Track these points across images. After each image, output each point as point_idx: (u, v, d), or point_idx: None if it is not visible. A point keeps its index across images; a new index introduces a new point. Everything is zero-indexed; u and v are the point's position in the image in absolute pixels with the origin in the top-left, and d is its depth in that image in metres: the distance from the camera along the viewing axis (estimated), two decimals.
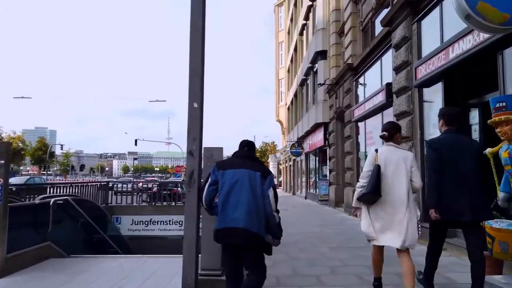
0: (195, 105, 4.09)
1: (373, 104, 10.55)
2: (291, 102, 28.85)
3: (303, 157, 24.37)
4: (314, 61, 18.68)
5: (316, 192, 19.32)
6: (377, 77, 10.69)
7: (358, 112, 12.03)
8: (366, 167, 3.80)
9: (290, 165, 32.01)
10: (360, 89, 12.54)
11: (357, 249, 6.57)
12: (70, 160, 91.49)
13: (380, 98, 9.92)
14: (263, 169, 3.39)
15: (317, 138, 18.73)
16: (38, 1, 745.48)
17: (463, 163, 3.66)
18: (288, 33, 32.32)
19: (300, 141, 23.97)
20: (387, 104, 9.54)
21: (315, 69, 19.01)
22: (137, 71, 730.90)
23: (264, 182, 3.27)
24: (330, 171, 16.18)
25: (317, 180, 19.41)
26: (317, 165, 20.21)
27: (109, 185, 14.08)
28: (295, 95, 26.31)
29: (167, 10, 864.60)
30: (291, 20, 29.93)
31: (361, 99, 12.16)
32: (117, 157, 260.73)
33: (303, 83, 22.88)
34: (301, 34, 24.02)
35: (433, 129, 7.25)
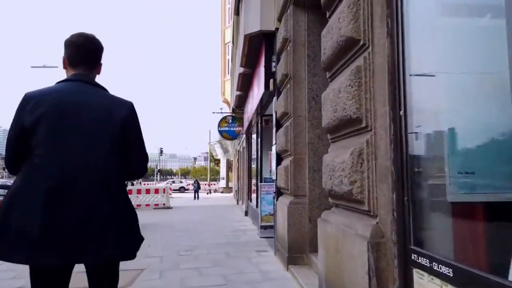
0: None
1: None
2: (230, 55, 18.64)
3: (244, 141, 14.30)
4: None
5: (258, 206, 9.26)
6: None
7: None
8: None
9: (237, 159, 22.11)
10: None
11: None
12: None
13: None
14: None
15: (256, 94, 8.68)
16: None
17: (80, 143, 1.70)
18: None
19: (238, 112, 13.72)
20: None
21: None
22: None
23: None
24: (279, 157, 6.11)
25: (259, 182, 9.33)
26: (259, 152, 10.04)
27: None
28: (233, 40, 16.19)
29: None
30: None
31: None
32: None
33: (238, 5, 12.78)
34: None
35: None
